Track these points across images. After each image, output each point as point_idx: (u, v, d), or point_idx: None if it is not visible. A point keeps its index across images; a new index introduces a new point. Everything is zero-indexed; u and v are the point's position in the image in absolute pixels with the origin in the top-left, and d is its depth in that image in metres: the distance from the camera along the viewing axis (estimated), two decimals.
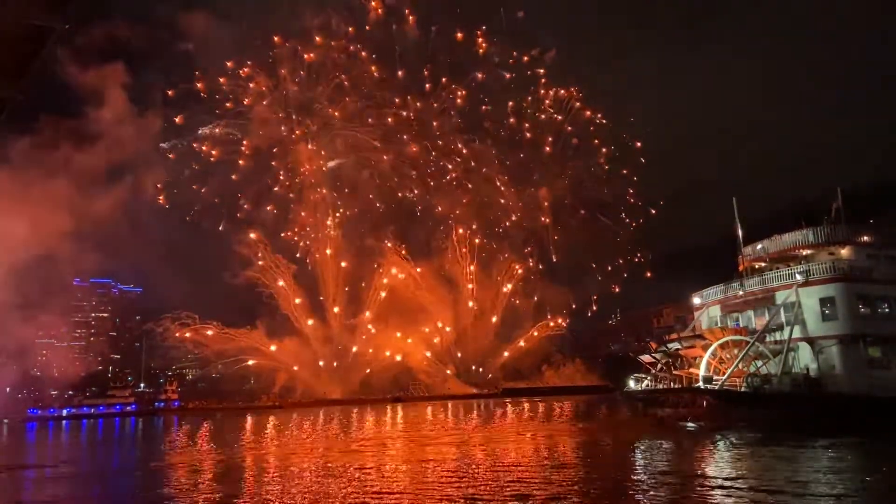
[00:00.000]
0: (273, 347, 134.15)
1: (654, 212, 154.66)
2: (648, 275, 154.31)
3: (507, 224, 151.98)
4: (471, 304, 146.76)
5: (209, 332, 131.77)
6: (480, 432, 49.65)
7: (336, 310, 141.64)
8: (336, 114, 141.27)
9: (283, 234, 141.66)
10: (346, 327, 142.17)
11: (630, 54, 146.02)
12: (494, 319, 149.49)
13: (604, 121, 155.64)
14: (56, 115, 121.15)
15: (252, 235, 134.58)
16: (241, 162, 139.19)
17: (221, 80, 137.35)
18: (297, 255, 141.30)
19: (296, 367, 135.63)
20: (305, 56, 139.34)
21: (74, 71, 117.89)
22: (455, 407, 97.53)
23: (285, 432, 59.06)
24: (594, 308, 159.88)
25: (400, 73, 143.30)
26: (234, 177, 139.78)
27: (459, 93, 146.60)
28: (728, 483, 22.27)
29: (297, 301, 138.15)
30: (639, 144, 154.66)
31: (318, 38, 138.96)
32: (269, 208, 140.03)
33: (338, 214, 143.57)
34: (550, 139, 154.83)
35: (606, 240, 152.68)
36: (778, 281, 44.90)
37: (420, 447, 40.05)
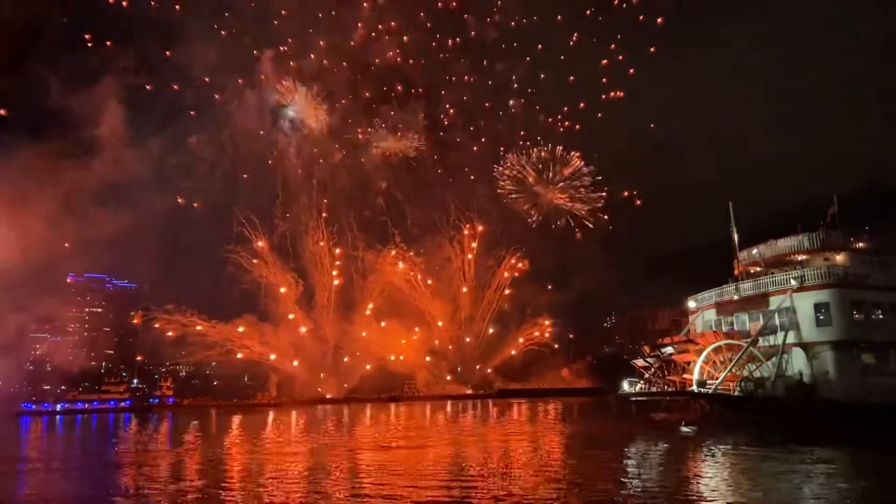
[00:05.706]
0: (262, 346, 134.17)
1: None
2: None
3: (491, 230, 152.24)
4: (464, 288, 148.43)
5: (198, 328, 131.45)
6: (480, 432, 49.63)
7: (330, 323, 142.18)
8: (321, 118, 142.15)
9: (274, 236, 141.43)
10: (341, 328, 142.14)
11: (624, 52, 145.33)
12: (485, 326, 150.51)
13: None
14: (55, 132, 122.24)
15: (247, 253, 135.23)
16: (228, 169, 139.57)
17: (215, 95, 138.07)
18: (290, 258, 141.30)
19: (280, 359, 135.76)
20: (291, 64, 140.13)
21: (69, 91, 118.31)
22: (455, 406, 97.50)
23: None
24: (585, 311, 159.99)
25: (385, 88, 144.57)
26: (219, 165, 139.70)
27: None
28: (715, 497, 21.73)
29: (293, 301, 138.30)
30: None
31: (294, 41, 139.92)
32: (260, 214, 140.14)
33: (324, 215, 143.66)
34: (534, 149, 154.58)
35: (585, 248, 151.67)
36: (773, 286, 45.04)
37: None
